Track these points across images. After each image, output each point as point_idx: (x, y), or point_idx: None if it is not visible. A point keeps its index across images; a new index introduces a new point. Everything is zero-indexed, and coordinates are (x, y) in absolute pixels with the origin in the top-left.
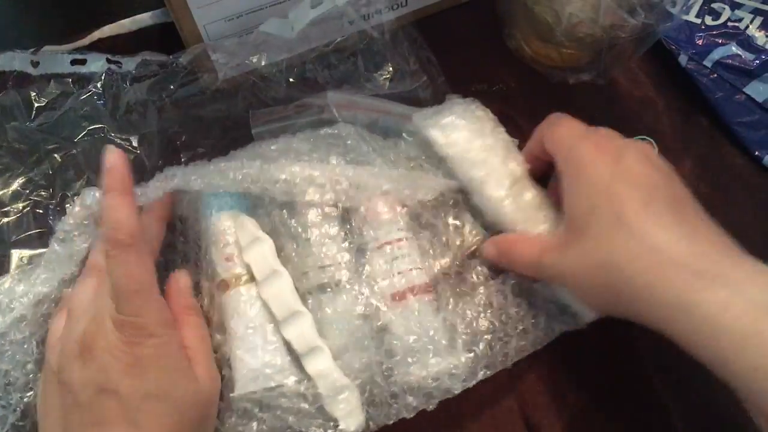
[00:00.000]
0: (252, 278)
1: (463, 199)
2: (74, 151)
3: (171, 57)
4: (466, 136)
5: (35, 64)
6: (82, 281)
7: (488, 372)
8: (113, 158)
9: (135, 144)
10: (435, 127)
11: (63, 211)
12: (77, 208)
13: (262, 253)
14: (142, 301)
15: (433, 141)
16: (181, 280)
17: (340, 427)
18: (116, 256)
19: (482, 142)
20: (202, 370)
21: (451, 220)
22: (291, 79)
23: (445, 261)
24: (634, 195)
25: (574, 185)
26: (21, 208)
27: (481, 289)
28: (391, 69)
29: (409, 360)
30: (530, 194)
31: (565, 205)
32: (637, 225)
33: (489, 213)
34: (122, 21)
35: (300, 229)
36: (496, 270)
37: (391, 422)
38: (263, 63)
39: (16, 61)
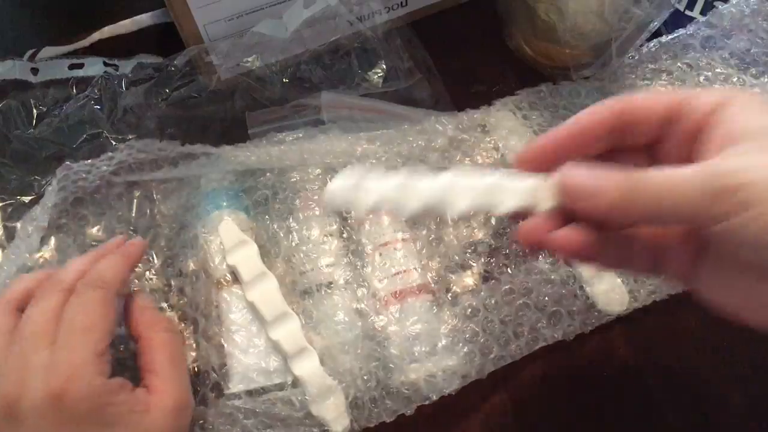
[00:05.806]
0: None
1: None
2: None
3: (166, 60)
4: None
5: (35, 71)
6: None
7: (484, 372)
8: (134, 245)
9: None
10: None
11: None
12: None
13: (248, 255)
14: (84, 339)
15: None
16: (140, 297)
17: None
18: (83, 294)
19: None
20: (165, 397)
21: (449, 219)
22: (285, 80)
23: (443, 261)
24: None
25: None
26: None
27: (481, 289)
28: (384, 68)
29: (407, 360)
30: None
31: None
32: None
33: None
34: (122, 21)
35: (300, 228)
36: (496, 270)
37: (390, 420)
38: (258, 64)
39: (16, 69)
